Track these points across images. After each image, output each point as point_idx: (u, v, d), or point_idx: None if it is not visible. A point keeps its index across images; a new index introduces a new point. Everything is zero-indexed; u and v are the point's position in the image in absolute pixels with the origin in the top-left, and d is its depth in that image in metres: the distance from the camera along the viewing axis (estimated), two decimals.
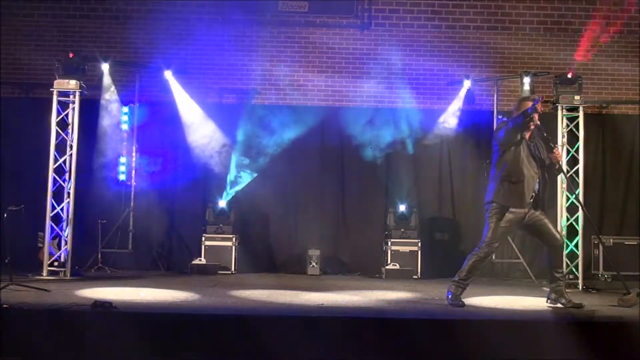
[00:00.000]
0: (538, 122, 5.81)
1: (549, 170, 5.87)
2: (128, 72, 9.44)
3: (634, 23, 9.65)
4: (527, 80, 8.64)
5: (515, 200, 5.74)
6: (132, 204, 9.30)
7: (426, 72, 9.66)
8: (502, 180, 5.78)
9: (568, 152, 8.11)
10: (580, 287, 7.81)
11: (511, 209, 5.76)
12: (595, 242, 8.82)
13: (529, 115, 5.58)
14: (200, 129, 9.29)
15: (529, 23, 9.72)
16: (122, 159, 9.38)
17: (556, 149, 5.87)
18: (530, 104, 5.73)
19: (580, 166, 8.08)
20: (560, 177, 7.43)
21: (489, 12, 9.74)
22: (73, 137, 8.11)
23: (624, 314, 5.61)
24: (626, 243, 8.90)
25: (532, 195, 5.78)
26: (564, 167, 6.80)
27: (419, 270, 8.85)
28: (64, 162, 8.10)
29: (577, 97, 8.09)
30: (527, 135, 5.83)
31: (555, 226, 5.99)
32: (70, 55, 8.09)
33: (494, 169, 5.90)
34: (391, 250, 8.94)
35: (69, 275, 7.87)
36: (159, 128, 9.22)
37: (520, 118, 5.64)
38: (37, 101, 9.17)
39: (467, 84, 9.25)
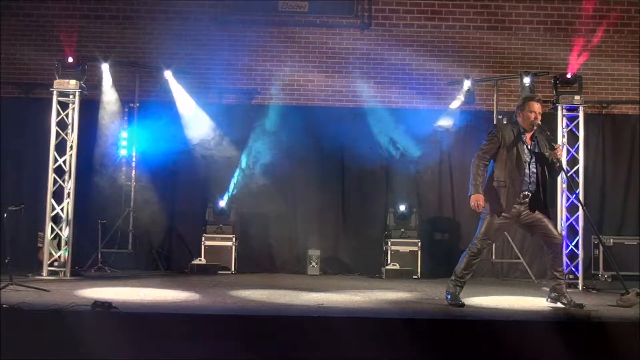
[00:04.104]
0: (539, 122, 5.82)
1: (550, 168, 5.86)
2: (128, 72, 9.44)
3: (633, 23, 9.66)
4: (527, 80, 8.62)
5: (503, 204, 5.73)
6: (132, 204, 9.31)
7: (426, 72, 9.65)
8: (489, 186, 5.81)
9: (568, 152, 8.11)
10: (580, 287, 7.80)
11: (502, 213, 5.77)
12: (595, 242, 8.83)
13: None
14: (199, 129, 9.27)
15: (529, 23, 9.72)
16: (122, 159, 9.38)
17: (558, 146, 5.85)
18: (533, 105, 5.76)
19: (580, 166, 8.08)
20: (560, 177, 7.44)
21: (489, 12, 9.74)
22: (73, 137, 8.11)
23: (624, 314, 5.61)
24: (626, 243, 8.93)
25: (526, 194, 5.77)
26: (564, 167, 6.79)
27: (419, 270, 8.85)
28: (64, 162, 8.09)
29: (577, 97, 8.09)
30: (528, 136, 5.83)
31: (554, 225, 5.97)
32: (70, 60, 8.08)
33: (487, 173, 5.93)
34: (391, 250, 8.94)
35: (69, 275, 7.87)
36: (158, 128, 9.21)
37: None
38: (37, 101, 9.18)
39: (467, 84, 9.23)
